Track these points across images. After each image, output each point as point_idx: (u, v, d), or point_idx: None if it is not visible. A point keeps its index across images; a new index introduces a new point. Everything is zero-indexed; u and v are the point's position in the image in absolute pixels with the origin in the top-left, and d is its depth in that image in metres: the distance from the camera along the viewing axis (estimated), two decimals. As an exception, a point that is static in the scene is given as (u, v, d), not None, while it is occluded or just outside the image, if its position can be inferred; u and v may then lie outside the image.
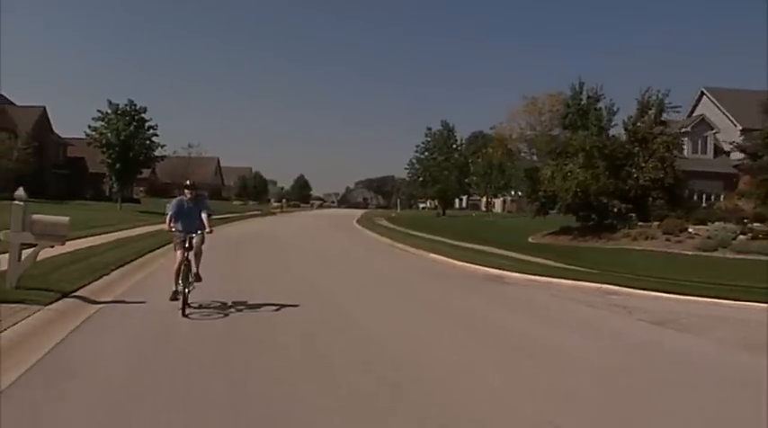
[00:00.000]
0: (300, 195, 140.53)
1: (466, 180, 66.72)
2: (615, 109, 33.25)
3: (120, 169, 44.94)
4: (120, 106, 45.29)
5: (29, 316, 7.59)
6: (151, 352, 6.73)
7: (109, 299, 9.48)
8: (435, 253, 20.79)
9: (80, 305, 8.85)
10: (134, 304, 9.26)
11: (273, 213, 67.57)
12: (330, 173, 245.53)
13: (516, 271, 15.58)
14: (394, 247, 24.81)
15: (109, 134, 44.36)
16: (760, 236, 21.11)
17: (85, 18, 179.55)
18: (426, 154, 62.57)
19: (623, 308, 10.81)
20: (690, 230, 22.22)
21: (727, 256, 19.98)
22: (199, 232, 9.05)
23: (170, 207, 9.27)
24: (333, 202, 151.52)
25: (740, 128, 37.94)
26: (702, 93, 44.12)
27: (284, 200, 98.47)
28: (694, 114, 43.46)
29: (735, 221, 23.12)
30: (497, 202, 77.43)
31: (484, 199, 75.81)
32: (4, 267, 9.30)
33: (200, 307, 8.85)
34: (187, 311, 8.41)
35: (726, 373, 6.75)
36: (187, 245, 8.86)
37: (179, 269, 8.77)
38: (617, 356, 7.38)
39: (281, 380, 5.69)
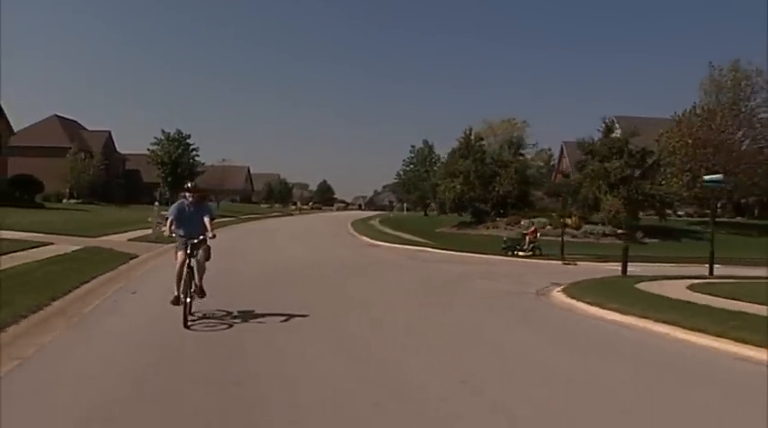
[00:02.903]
0: (323, 198, 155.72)
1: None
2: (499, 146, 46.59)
3: (171, 181, 60.10)
4: (171, 134, 60.64)
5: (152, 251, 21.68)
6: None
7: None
8: (366, 237, 34.86)
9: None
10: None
11: (291, 214, 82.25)
12: (359, 176, 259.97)
13: (390, 243, 29.63)
14: (351, 235, 38.81)
15: (163, 155, 59.59)
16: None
17: (134, 37, 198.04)
18: (411, 166, 76.67)
19: (423, 257, 24.55)
20: (522, 222, 35.79)
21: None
22: (201, 238, 8.40)
23: (170, 211, 8.69)
24: (360, 205, 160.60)
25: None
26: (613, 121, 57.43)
27: (310, 203, 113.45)
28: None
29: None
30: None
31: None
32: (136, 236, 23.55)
33: (203, 317, 8.46)
34: (189, 322, 7.87)
35: (446, 270, 20.68)
36: (188, 251, 8.23)
37: (181, 271, 8.19)
38: (410, 271, 21.31)
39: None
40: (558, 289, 13.56)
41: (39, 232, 22.09)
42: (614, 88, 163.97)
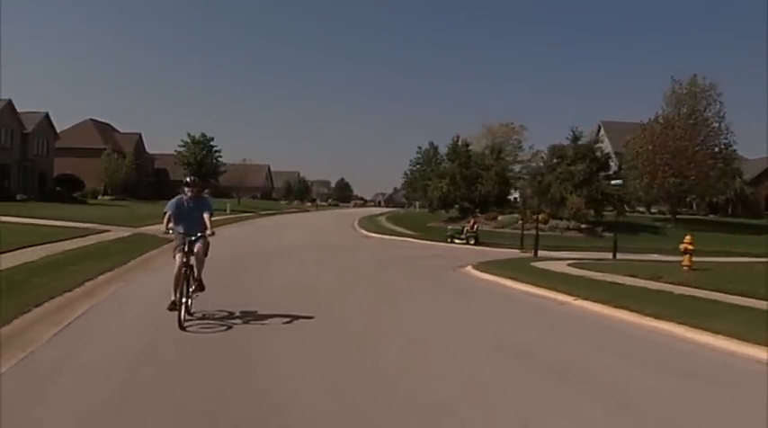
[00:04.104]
0: (341, 195, 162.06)
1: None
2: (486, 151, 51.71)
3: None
4: (196, 137, 66.74)
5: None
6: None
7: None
8: (363, 230, 40.41)
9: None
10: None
11: (308, 210, 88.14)
12: (380, 174, 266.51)
13: (381, 234, 35.21)
14: (352, 228, 44.32)
15: (189, 156, 65.73)
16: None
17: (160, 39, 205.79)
18: (417, 166, 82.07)
19: (399, 244, 30.13)
20: (499, 218, 40.99)
21: (505, 230, 38.70)
22: (200, 235, 8.09)
23: (168, 205, 8.27)
24: (379, 202, 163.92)
25: (614, 151, 55.92)
26: (599, 126, 62.28)
27: (328, 200, 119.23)
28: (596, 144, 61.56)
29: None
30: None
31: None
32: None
33: (203, 317, 8.17)
34: (186, 323, 7.57)
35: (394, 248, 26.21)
36: (186, 249, 7.90)
37: (179, 275, 7.78)
38: (375, 251, 26.87)
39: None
40: (473, 265, 18.88)
41: (93, 223, 27.87)
42: (614, 91, 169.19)
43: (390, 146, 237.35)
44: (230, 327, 7.89)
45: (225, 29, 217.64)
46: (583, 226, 39.12)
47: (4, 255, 13.18)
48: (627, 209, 45.03)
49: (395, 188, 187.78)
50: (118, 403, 4.81)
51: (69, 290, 9.70)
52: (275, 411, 4.78)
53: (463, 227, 32.65)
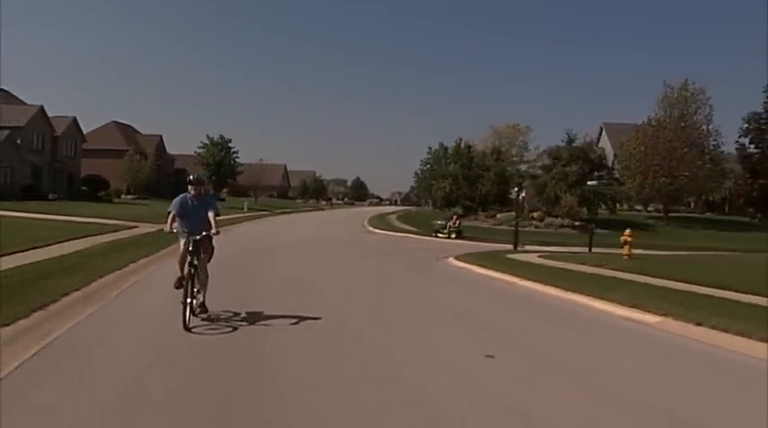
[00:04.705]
0: (357, 194, 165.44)
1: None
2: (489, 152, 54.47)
3: (215, 180, 69.47)
4: (215, 139, 70.00)
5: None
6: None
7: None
8: (370, 226, 43.20)
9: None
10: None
11: (322, 209, 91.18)
12: (398, 173, 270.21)
13: (385, 231, 37.94)
14: (360, 225, 47.09)
15: (208, 157, 69.00)
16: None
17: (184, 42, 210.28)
18: (427, 166, 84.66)
19: (399, 239, 32.93)
20: (498, 216, 43.55)
21: (502, 227, 41.23)
22: (205, 234, 8.07)
23: (172, 205, 8.28)
24: (396, 201, 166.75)
25: (615, 152, 58.17)
26: (601, 127, 64.50)
27: (344, 199, 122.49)
28: (599, 144, 63.80)
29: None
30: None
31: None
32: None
33: (208, 318, 8.25)
34: (191, 324, 7.61)
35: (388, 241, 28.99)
36: (191, 248, 7.92)
37: (184, 256, 8.03)
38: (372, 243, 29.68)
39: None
40: (454, 256, 21.52)
41: (121, 220, 30.94)
42: (623, 91, 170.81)
43: (408, 145, 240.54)
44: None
45: (243, 32, 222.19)
46: (576, 223, 41.53)
47: (60, 245, 16.22)
48: (619, 207, 47.39)
49: (411, 187, 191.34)
50: (164, 328, 7.68)
51: (119, 269, 12.66)
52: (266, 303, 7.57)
53: (446, 223, 35.30)
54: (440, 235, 33.89)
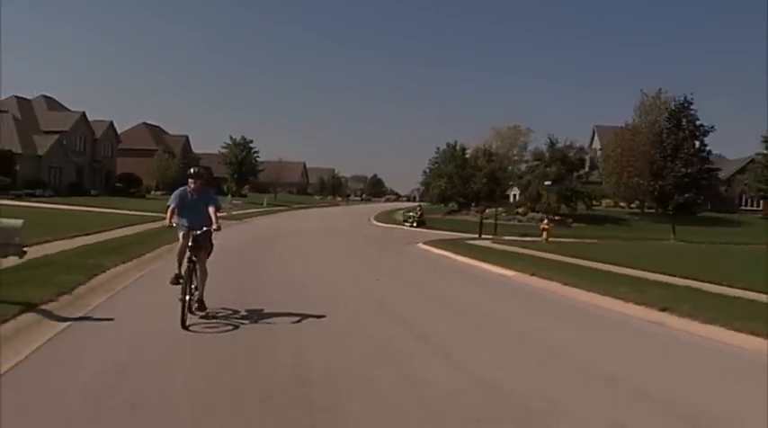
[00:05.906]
0: (374, 191, 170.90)
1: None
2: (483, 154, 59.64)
3: (237, 178, 75.54)
4: (237, 140, 76.11)
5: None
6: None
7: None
8: (374, 220, 48.48)
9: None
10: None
11: (338, 204, 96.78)
12: (417, 170, 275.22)
13: (386, 224, 43.21)
14: (366, 219, 52.32)
15: (231, 157, 75.08)
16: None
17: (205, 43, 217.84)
18: (435, 165, 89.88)
19: (390, 229, 38.22)
20: (486, 211, 48.49)
21: (488, 221, 46.23)
22: (205, 229, 7.84)
23: (171, 199, 8.08)
24: (414, 197, 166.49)
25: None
26: (593, 130, 68.99)
27: (362, 195, 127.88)
28: (592, 146, 68.32)
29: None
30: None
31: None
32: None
33: (206, 315, 8.07)
34: (188, 322, 7.40)
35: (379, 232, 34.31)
36: (192, 244, 7.72)
37: (183, 250, 7.87)
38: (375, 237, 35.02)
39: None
40: (423, 242, 26.63)
41: (155, 212, 36.50)
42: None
43: (430, 141, 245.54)
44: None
45: (263, 34, 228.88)
46: (555, 217, 46.43)
47: (111, 232, 21.74)
48: (605, 204, 52.21)
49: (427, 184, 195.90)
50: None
51: (154, 249, 17.98)
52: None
53: (412, 215, 40.52)
54: (406, 224, 39.35)
